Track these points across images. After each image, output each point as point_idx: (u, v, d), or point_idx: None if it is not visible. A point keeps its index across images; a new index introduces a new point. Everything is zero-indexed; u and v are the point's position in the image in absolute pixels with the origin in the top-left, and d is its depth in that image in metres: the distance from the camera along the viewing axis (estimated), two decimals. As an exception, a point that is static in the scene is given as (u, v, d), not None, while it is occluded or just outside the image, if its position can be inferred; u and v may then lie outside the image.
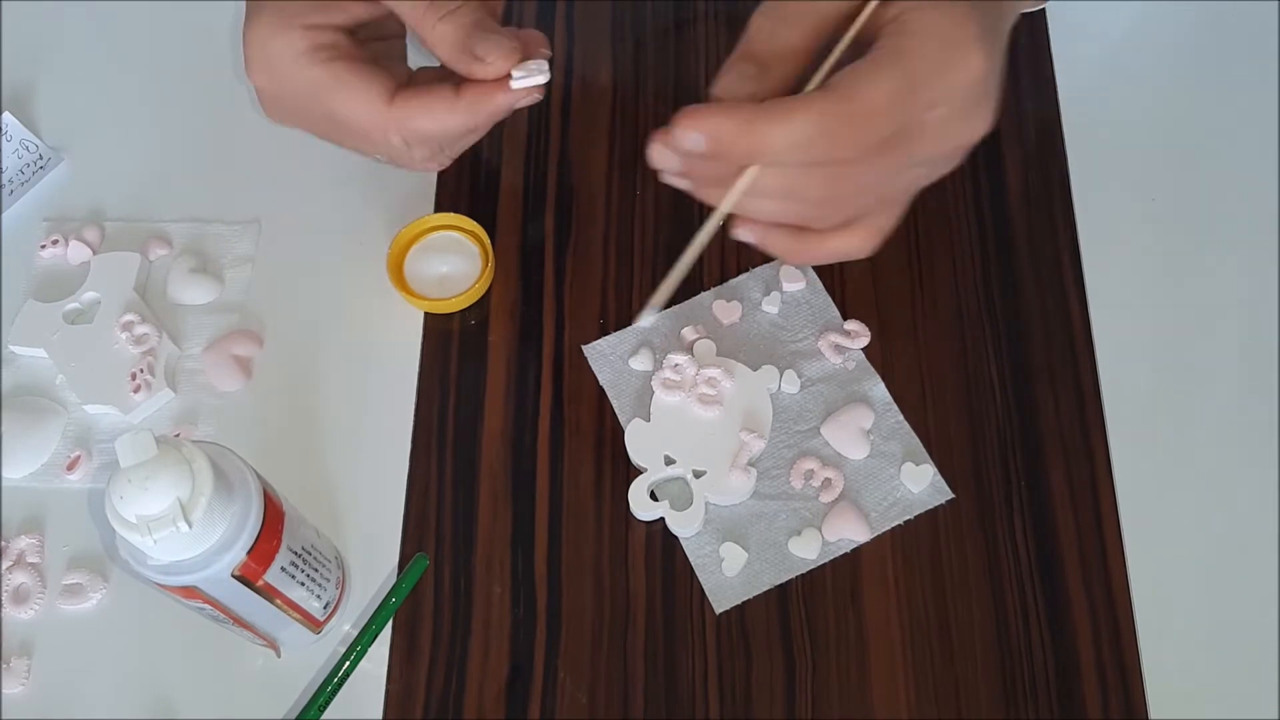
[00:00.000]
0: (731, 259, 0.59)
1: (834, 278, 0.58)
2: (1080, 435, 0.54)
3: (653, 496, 0.53)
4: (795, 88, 0.46)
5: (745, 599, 0.51)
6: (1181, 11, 0.63)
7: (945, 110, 0.45)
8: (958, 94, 0.45)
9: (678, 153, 0.46)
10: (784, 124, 0.44)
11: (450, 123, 0.51)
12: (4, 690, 0.52)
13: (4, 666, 0.52)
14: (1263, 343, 0.55)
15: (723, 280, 0.58)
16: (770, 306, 0.57)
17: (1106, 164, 0.60)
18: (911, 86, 0.44)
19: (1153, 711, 0.49)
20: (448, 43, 0.51)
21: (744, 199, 0.46)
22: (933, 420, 0.54)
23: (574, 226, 0.60)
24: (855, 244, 0.49)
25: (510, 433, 0.56)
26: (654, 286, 0.58)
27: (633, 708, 0.50)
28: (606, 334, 0.57)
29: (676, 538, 0.53)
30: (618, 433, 0.55)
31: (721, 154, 0.45)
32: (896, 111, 0.44)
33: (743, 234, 0.49)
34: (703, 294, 0.58)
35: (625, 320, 0.58)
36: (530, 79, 0.51)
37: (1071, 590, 0.51)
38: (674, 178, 0.48)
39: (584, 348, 0.57)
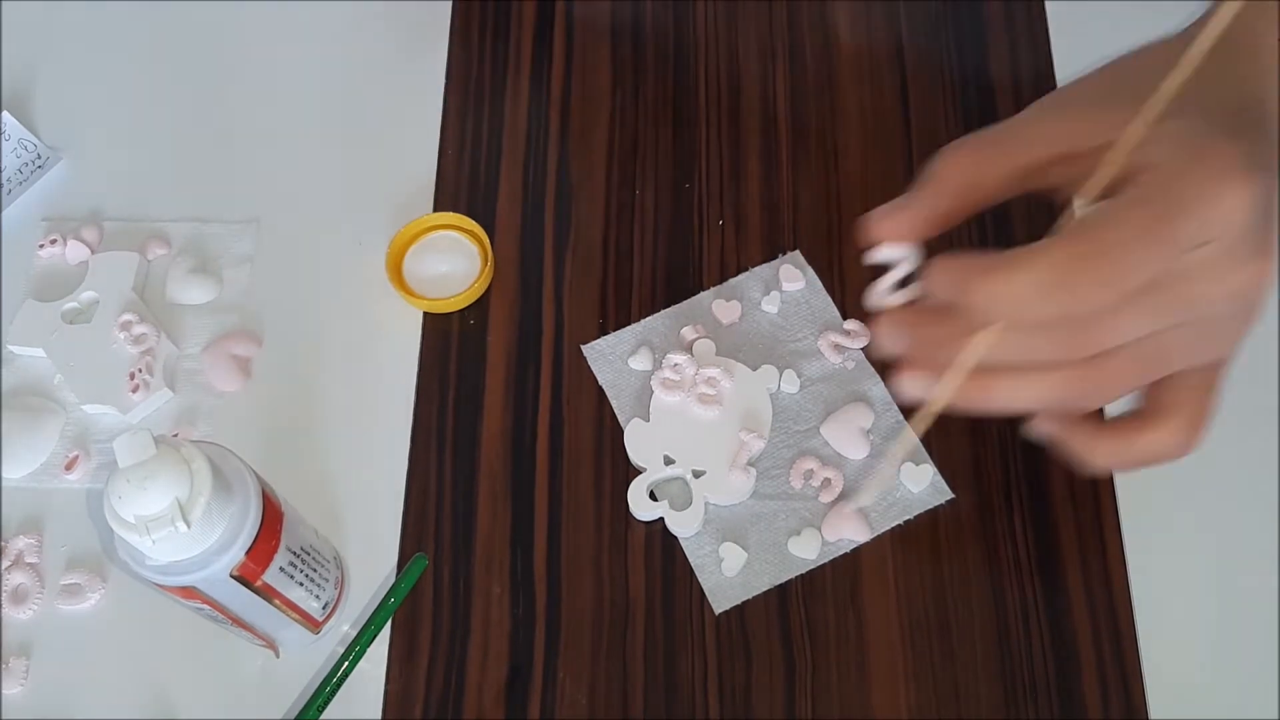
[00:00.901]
0: (731, 258, 0.59)
1: (833, 279, 0.58)
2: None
3: (652, 496, 0.53)
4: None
5: (745, 599, 0.51)
6: (1181, 11, 0.63)
7: (1211, 249, 0.39)
8: (1222, 229, 0.39)
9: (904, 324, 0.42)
10: (1014, 270, 0.38)
11: None
12: (3, 690, 0.52)
13: (3, 666, 0.52)
14: (1263, 342, 0.55)
15: (722, 280, 0.58)
16: (770, 306, 0.57)
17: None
18: (1163, 220, 0.38)
19: (1153, 711, 0.49)
20: None
21: (991, 381, 0.41)
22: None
23: (574, 226, 0.60)
24: (1164, 439, 0.42)
25: (509, 433, 0.55)
26: (654, 287, 0.58)
27: (632, 708, 0.50)
28: (606, 334, 0.57)
29: (676, 538, 0.53)
30: (617, 432, 0.55)
31: (952, 298, 0.40)
32: (1149, 250, 0.38)
33: (1038, 429, 0.44)
34: (702, 294, 0.58)
35: (625, 320, 0.58)
36: None
37: (1071, 590, 0.51)
38: (892, 340, 0.44)
39: (583, 347, 0.57)
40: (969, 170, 0.43)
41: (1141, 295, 0.39)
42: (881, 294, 0.44)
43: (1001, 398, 0.42)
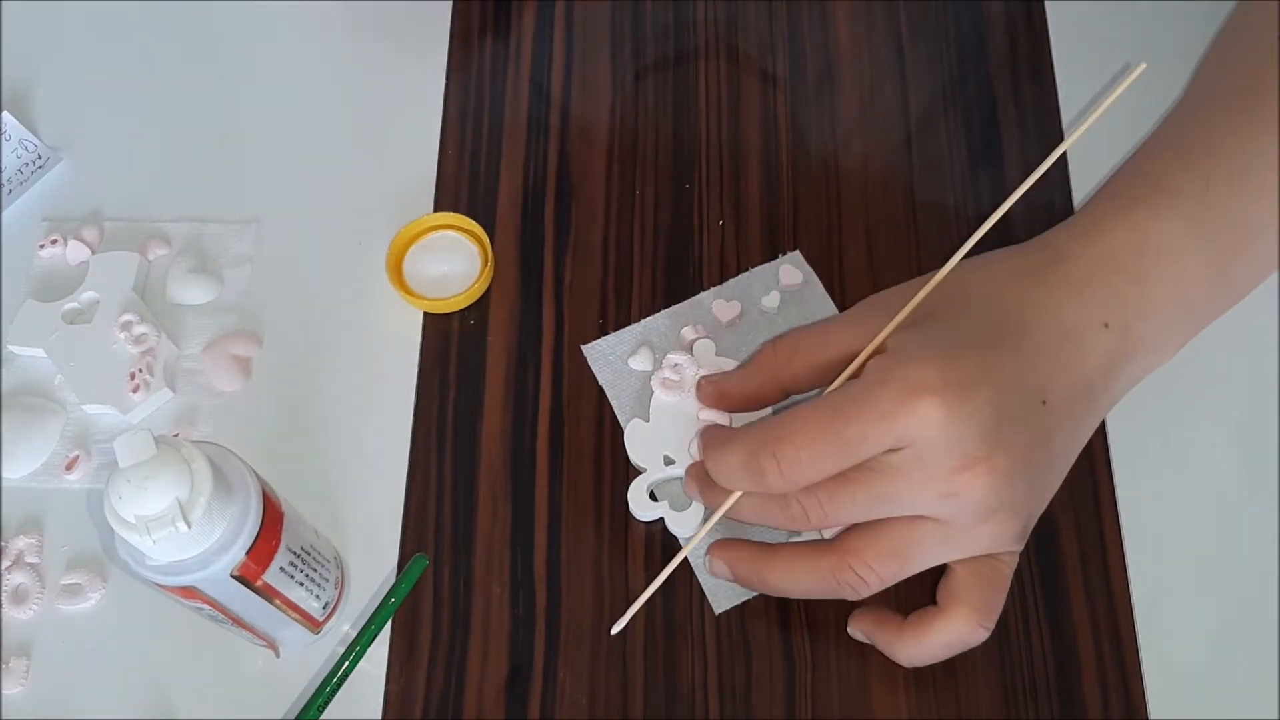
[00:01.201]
0: (731, 258, 0.59)
1: (834, 278, 0.58)
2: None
3: (652, 496, 0.53)
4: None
5: (744, 600, 0.51)
6: (1182, 10, 0.63)
7: (905, 455, 0.43)
8: (913, 437, 0.43)
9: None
10: (723, 447, 0.47)
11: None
12: (3, 690, 0.52)
13: (3, 667, 0.52)
14: (1264, 342, 0.55)
15: (723, 280, 0.58)
16: (770, 306, 0.57)
17: (1107, 163, 0.60)
18: (840, 420, 0.44)
19: (1153, 711, 0.49)
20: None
21: (765, 565, 0.49)
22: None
23: (574, 226, 0.60)
24: (953, 628, 0.47)
25: (510, 433, 0.55)
26: (654, 287, 0.58)
27: (632, 708, 0.50)
28: (606, 334, 0.57)
29: (676, 538, 0.53)
30: (617, 432, 0.55)
31: (700, 480, 0.50)
32: (824, 445, 0.44)
33: (855, 633, 0.50)
34: (702, 294, 0.58)
35: (625, 320, 0.58)
36: None
37: (1071, 590, 0.51)
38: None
39: (583, 347, 0.57)
40: (779, 360, 0.50)
41: (839, 484, 0.45)
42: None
43: (773, 582, 0.49)
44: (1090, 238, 0.48)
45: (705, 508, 0.52)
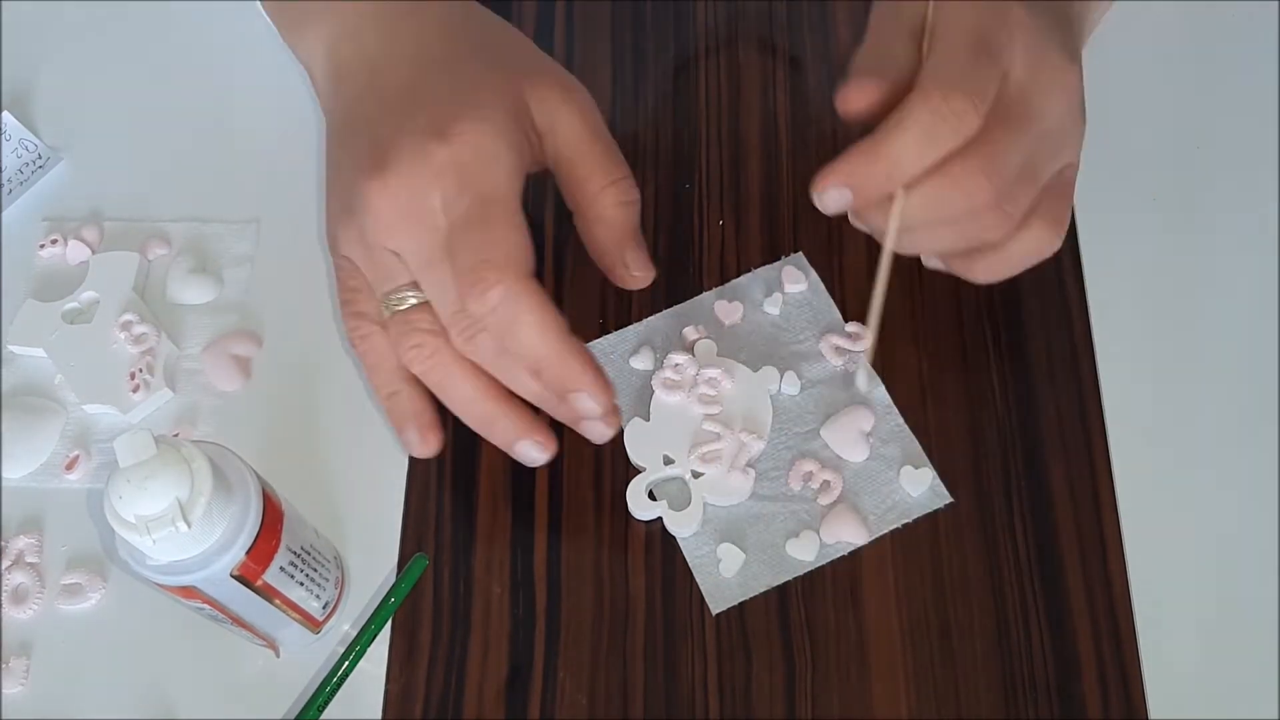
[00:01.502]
0: (732, 259, 0.59)
1: (834, 279, 0.58)
2: (1080, 435, 0.54)
3: (651, 496, 0.53)
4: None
5: (742, 600, 0.51)
6: (1182, 9, 0.63)
7: (1021, 69, 0.47)
8: (1022, 46, 0.47)
9: (838, 209, 0.48)
10: (899, 133, 0.46)
11: (551, 330, 0.48)
12: (3, 690, 0.52)
13: (3, 666, 0.52)
14: (1264, 341, 0.55)
15: (723, 279, 0.58)
16: (771, 308, 0.57)
17: (1107, 162, 0.60)
18: (983, 48, 0.46)
19: (1153, 711, 0.49)
20: (615, 229, 0.51)
21: (915, 236, 0.49)
22: (932, 420, 0.54)
23: (573, 226, 0.60)
24: (1034, 240, 0.49)
25: (510, 432, 0.55)
26: (654, 286, 0.58)
27: (632, 708, 0.50)
28: (606, 333, 0.57)
29: (677, 538, 0.53)
30: (618, 432, 0.55)
31: (868, 192, 0.47)
32: (983, 75, 0.46)
33: (930, 262, 0.52)
34: (704, 294, 0.58)
35: (625, 320, 0.58)
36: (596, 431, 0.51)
37: (1071, 590, 0.51)
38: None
39: (584, 346, 0.57)
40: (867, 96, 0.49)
41: (998, 122, 0.46)
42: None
43: (927, 243, 0.50)
44: None
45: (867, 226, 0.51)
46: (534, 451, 0.51)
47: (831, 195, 0.47)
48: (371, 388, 0.52)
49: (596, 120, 0.51)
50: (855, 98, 0.48)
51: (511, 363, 0.49)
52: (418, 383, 0.51)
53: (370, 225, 0.48)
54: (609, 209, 0.51)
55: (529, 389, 0.50)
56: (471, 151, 0.47)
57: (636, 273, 0.52)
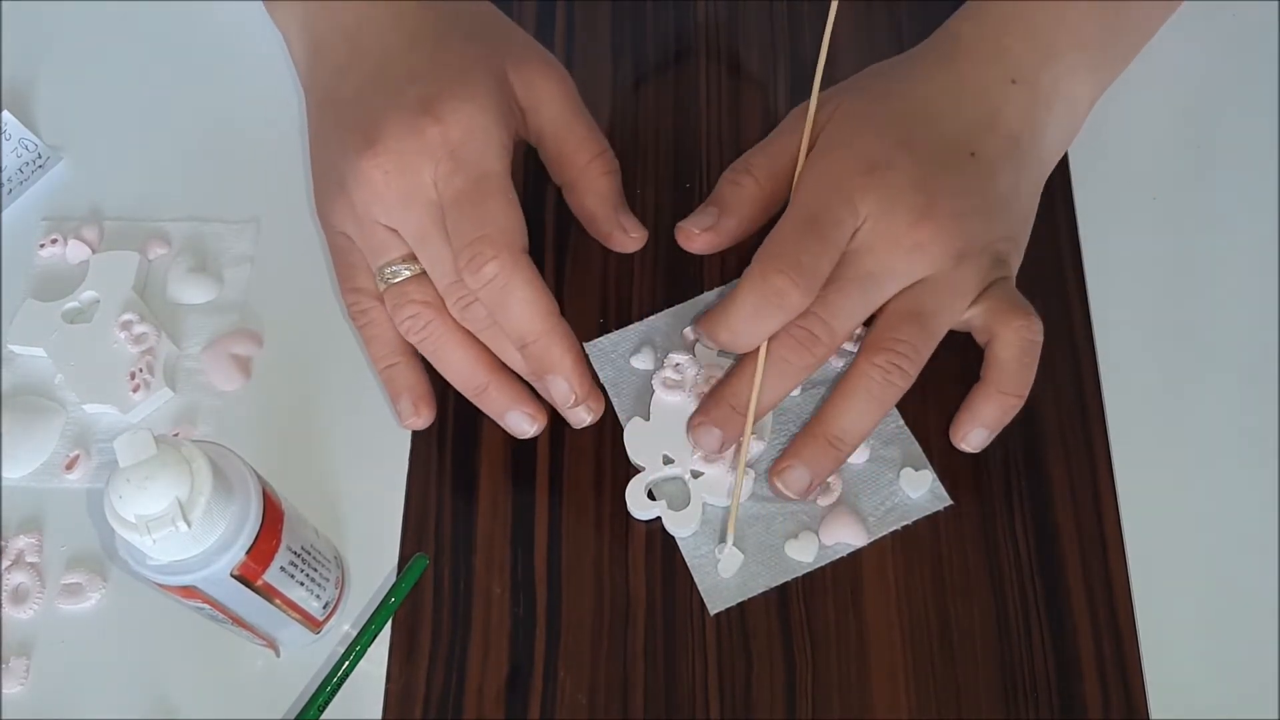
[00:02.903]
0: (731, 258, 0.59)
1: (834, 277, 0.58)
2: (1080, 434, 0.54)
3: (651, 496, 0.53)
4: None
5: (740, 600, 0.51)
6: (1182, 9, 0.63)
7: (868, 223, 0.50)
8: (866, 208, 0.50)
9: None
10: (735, 308, 0.49)
11: (539, 309, 0.50)
12: (3, 690, 0.52)
13: (3, 666, 0.52)
14: (1264, 341, 0.55)
15: (723, 279, 0.58)
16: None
17: (1107, 161, 0.60)
18: (813, 226, 0.49)
19: (1153, 712, 0.49)
20: (605, 198, 0.54)
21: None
22: (933, 420, 0.54)
23: (574, 226, 0.60)
24: (1015, 333, 0.51)
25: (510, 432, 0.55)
26: (654, 286, 0.58)
27: (632, 708, 0.50)
28: (606, 333, 0.57)
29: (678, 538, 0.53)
30: (617, 431, 0.55)
31: (722, 346, 0.51)
32: (812, 245, 0.49)
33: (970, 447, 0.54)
34: (705, 294, 0.58)
35: (625, 319, 0.58)
36: (580, 415, 0.53)
37: (1072, 590, 0.51)
38: None
39: (585, 345, 0.57)
40: (745, 194, 0.54)
41: (830, 291, 0.49)
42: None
43: (843, 426, 0.51)
44: (979, 16, 0.54)
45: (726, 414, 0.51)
46: (524, 423, 0.53)
47: (703, 341, 0.53)
48: (370, 360, 0.53)
49: (576, 96, 0.54)
50: (682, 240, 0.54)
51: (501, 334, 0.51)
52: (415, 356, 0.53)
53: (363, 201, 0.49)
54: (598, 179, 0.54)
55: (516, 362, 0.52)
56: (463, 129, 0.49)
57: (634, 234, 0.55)
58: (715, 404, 0.51)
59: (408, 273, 0.51)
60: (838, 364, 0.55)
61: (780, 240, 0.50)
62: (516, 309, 0.50)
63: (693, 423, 0.52)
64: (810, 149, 0.52)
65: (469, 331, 0.52)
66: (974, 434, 0.52)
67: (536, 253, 0.59)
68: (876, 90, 0.54)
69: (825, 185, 0.50)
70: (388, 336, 0.53)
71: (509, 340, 0.51)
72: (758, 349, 0.50)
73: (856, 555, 0.52)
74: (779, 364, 0.50)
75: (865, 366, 0.50)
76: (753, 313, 0.49)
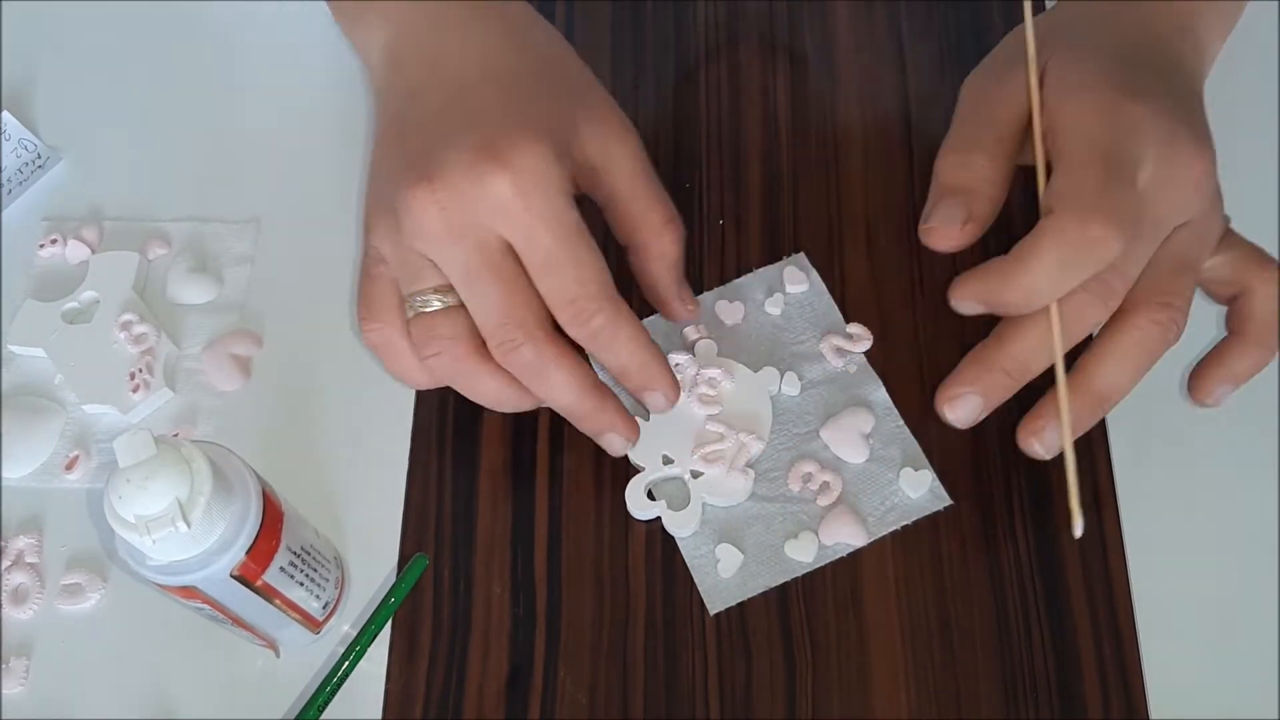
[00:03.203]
0: (731, 258, 0.59)
1: (834, 281, 0.58)
2: (1081, 435, 0.54)
3: (650, 496, 0.53)
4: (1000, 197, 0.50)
5: (740, 600, 0.51)
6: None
7: (1152, 159, 0.46)
8: (1146, 147, 0.46)
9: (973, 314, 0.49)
10: (1035, 263, 0.45)
11: (642, 341, 0.50)
12: (3, 690, 0.52)
13: (3, 666, 0.52)
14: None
15: (722, 279, 0.58)
16: (773, 308, 0.57)
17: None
18: (1114, 164, 0.45)
19: (1153, 711, 0.49)
20: (671, 266, 0.52)
21: (1094, 375, 0.48)
22: (933, 421, 0.54)
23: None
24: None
25: (510, 432, 0.55)
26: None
27: (633, 708, 0.50)
28: (606, 334, 0.57)
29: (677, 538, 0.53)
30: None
31: (1002, 311, 0.48)
32: (1121, 195, 0.45)
33: (960, 303, 0.49)
34: (705, 294, 0.58)
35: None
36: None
37: (1072, 590, 0.51)
38: None
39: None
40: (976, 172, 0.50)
41: (1128, 226, 0.45)
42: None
43: (1113, 382, 0.48)
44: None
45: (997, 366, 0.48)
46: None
47: (966, 305, 0.48)
48: (395, 374, 0.52)
49: (645, 157, 0.52)
50: (941, 241, 0.49)
51: (540, 379, 0.49)
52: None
53: (409, 229, 0.48)
54: (670, 246, 0.52)
55: (562, 400, 0.50)
56: (533, 180, 0.47)
57: (690, 306, 0.54)
58: (984, 370, 0.48)
59: (438, 304, 0.49)
60: (837, 364, 0.55)
61: (1086, 182, 0.45)
62: (623, 348, 0.49)
63: (947, 393, 0.49)
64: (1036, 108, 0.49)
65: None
66: (1222, 389, 0.50)
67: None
68: (1075, 45, 0.50)
69: (1101, 122, 0.46)
70: (408, 363, 0.52)
71: (559, 383, 0.50)
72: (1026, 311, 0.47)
73: (856, 555, 0.52)
74: (1069, 324, 0.47)
75: (1140, 322, 0.47)
76: (1060, 266, 0.45)
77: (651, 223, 0.52)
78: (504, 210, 0.47)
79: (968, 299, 0.48)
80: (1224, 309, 0.52)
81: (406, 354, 0.51)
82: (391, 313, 0.51)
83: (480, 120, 0.48)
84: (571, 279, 0.48)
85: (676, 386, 0.52)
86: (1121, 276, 0.46)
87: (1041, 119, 0.48)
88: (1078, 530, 0.46)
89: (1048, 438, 0.49)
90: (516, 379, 0.50)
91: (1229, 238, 0.50)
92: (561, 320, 0.48)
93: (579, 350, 0.50)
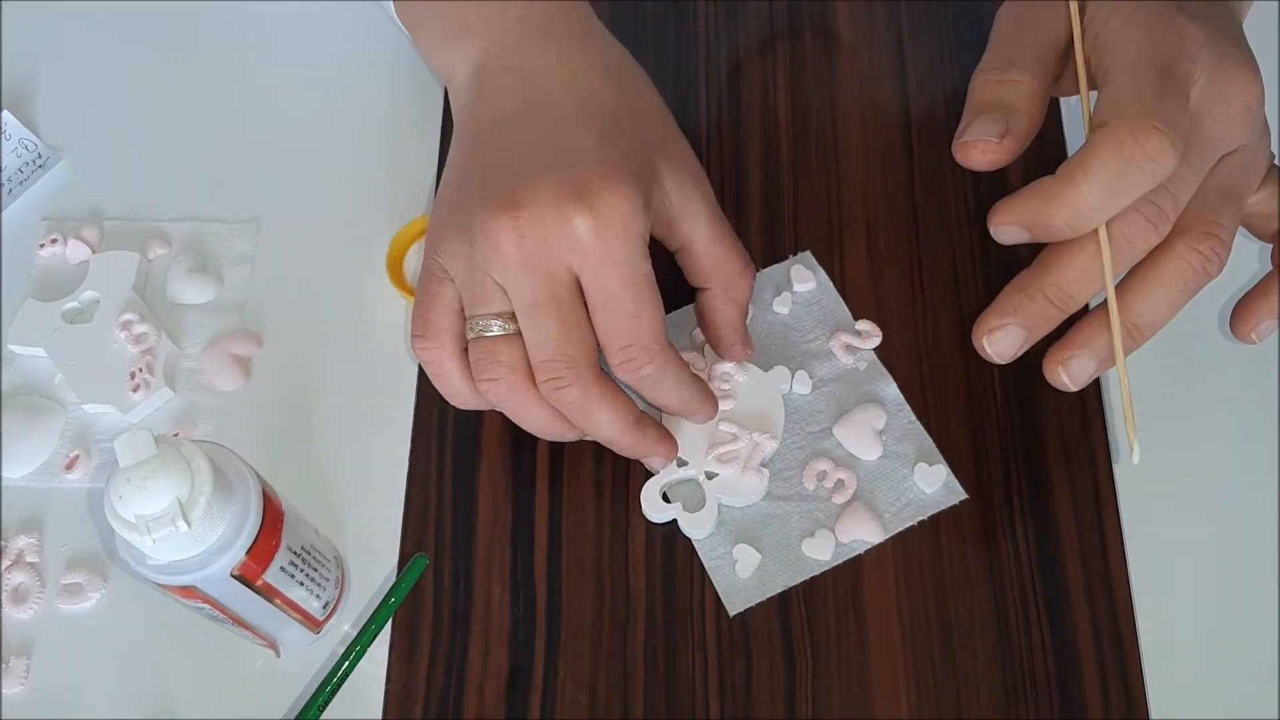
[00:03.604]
0: (732, 258, 0.59)
1: (835, 279, 0.58)
2: (1081, 435, 0.54)
3: (665, 498, 0.53)
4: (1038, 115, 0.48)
5: (759, 600, 0.51)
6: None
7: (1203, 79, 0.45)
8: (1199, 69, 0.45)
9: (1013, 242, 0.47)
10: (1085, 180, 0.44)
11: (685, 389, 0.51)
12: (3, 690, 0.52)
13: (3, 666, 0.52)
14: (1263, 343, 0.55)
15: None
16: (781, 307, 0.57)
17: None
18: (1168, 75, 0.44)
19: (1153, 711, 0.49)
20: (742, 311, 0.53)
21: (1138, 299, 0.47)
22: (934, 420, 0.54)
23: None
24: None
25: (510, 432, 0.55)
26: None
27: (633, 708, 0.50)
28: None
29: (678, 538, 0.53)
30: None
31: (1046, 235, 0.46)
32: (1174, 106, 0.44)
33: (1000, 231, 0.47)
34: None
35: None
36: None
37: (1072, 590, 0.51)
38: None
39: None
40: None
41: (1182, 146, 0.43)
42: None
43: (1150, 312, 0.46)
44: None
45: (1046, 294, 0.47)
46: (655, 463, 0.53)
47: (1006, 232, 0.46)
48: (446, 394, 0.52)
49: (717, 204, 0.52)
50: (978, 156, 0.47)
51: (581, 413, 0.49)
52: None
53: (485, 254, 0.48)
54: (744, 290, 0.53)
55: (604, 435, 0.51)
56: (617, 229, 0.47)
57: (748, 350, 0.54)
58: (1026, 298, 0.47)
59: (498, 330, 0.49)
60: (847, 361, 0.55)
61: (1140, 93, 0.44)
62: (669, 392, 0.50)
63: (986, 325, 0.48)
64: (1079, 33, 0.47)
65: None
66: (1266, 325, 0.49)
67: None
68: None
69: (1154, 36, 0.45)
70: (458, 384, 0.51)
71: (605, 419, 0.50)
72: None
73: (856, 555, 0.52)
74: (1118, 248, 0.45)
75: (1182, 250, 0.45)
76: (1113, 182, 0.43)
77: (730, 269, 0.52)
78: (582, 250, 0.47)
79: (1009, 223, 0.46)
80: (1266, 250, 0.50)
81: (457, 376, 0.51)
82: (447, 334, 0.50)
83: (573, 159, 0.48)
84: (629, 326, 0.48)
85: (715, 405, 0.53)
86: (1171, 199, 0.45)
87: (1085, 40, 0.47)
88: (1135, 457, 0.45)
89: (1075, 367, 0.47)
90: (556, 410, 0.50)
91: (1275, 173, 0.49)
92: (612, 363, 0.49)
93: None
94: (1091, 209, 0.44)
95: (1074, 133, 0.60)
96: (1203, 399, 0.55)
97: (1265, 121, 0.48)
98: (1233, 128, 0.46)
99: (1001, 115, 0.47)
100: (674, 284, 0.58)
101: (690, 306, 0.57)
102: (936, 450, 0.54)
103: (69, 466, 0.56)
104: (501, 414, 0.55)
